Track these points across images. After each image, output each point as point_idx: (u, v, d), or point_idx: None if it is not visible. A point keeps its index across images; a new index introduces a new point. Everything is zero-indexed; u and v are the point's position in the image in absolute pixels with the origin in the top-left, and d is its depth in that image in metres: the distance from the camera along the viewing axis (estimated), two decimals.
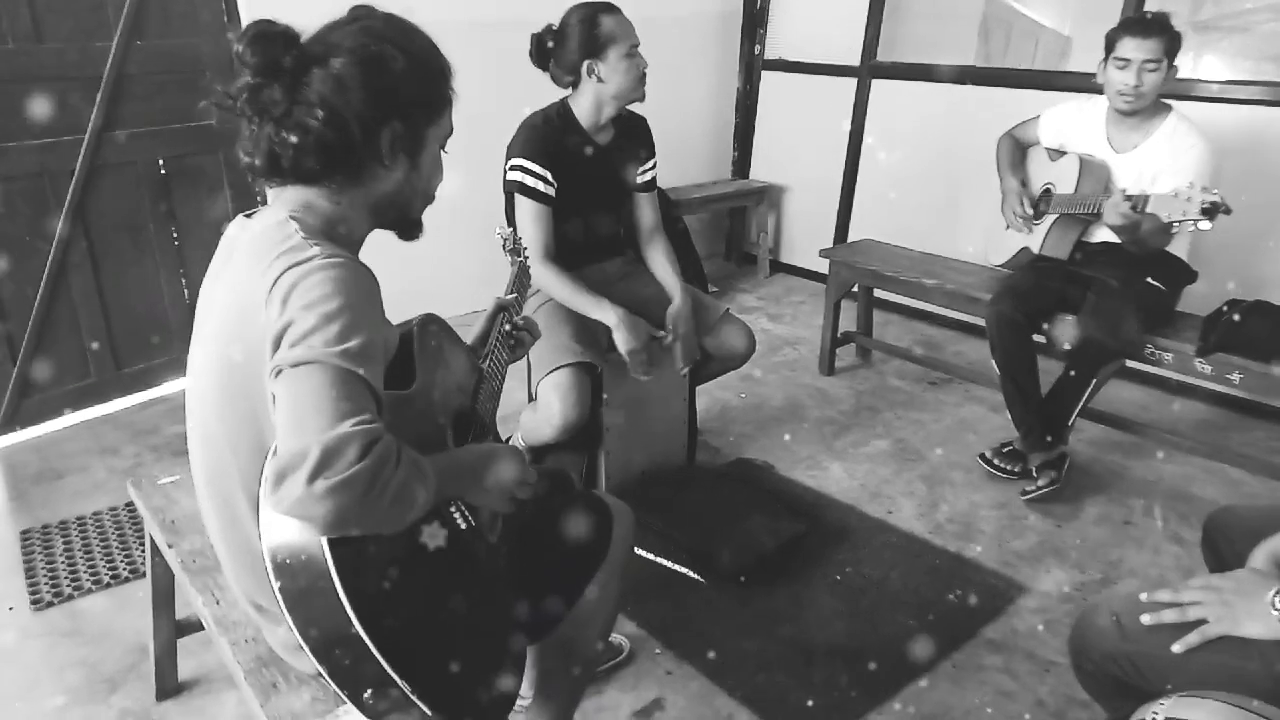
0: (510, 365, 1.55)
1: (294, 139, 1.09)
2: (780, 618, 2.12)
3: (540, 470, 1.56)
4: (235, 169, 3.15)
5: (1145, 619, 1.28)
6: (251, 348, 1.02)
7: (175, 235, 3.26)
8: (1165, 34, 2.47)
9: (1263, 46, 3.22)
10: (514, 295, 1.60)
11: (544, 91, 2.39)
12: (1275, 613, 1.17)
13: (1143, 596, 1.32)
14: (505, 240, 1.70)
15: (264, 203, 1.23)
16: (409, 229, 1.30)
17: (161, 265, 3.24)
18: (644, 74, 2.33)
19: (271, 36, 1.09)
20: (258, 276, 1.03)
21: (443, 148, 1.27)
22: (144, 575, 2.12)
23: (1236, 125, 3.06)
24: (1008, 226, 2.94)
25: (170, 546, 1.57)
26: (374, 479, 0.88)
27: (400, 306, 1.28)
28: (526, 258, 1.71)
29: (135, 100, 3.05)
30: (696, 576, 2.25)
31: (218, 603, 1.42)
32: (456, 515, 1.12)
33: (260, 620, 1.28)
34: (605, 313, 2.26)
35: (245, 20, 3.18)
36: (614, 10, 2.30)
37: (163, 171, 3.19)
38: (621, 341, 2.25)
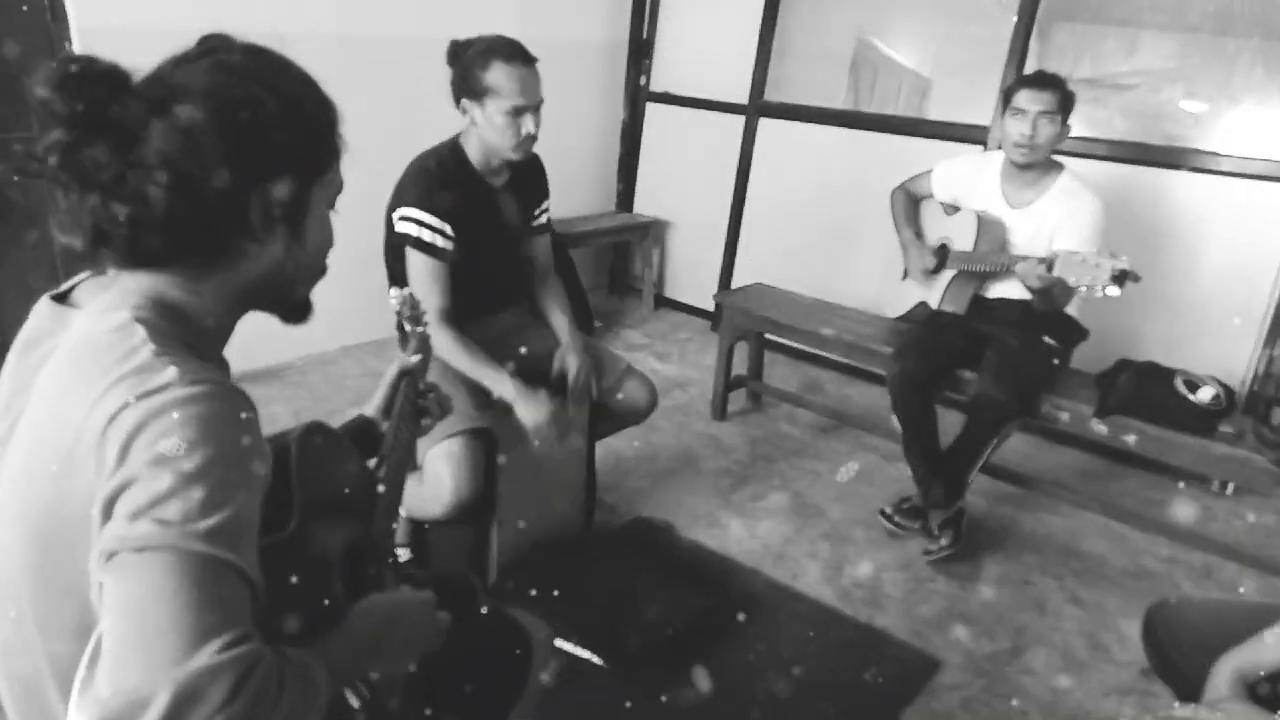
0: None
1: (128, 213, 0.83)
2: (697, 711, 1.95)
3: (436, 577, 1.33)
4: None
5: None
6: (80, 502, 0.75)
7: None
8: (1059, 89, 2.51)
9: (1139, 107, 3.36)
10: (419, 357, 1.37)
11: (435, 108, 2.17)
12: None
13: None
14: (403, 306, 1.45)
15: (84, 275, 0.94)
16: (295, 312, 1.04)
17: None
18: (529, 138, 2.09)
19: (91, 77, 0.81)
20: (88, 404, 0.76)
21: (331, 207, 1.02)
22: None
23: (1110, 182, 3.16)
24: (904, 277, 2.92)
25: None
26: None
27: (254, 346, 1.02)
28: (426, 324, 1.48)
29: None
30: (599, 662, 2.06)
31: None
32: (348, 693, 0.89)
33: None
34: (505, 387, 2.06)
35: (72, 19, 2.79)
36: (517, 59, 2.03)
37: None
38: (524, 416, 2.05)
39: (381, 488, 1.14)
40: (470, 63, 2.04)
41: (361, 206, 2.34)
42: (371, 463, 1.21)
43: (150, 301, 0.87)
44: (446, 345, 2.05)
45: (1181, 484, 3.12)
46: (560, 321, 2.32)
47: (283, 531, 0.92)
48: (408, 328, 1.47)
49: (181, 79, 0.86)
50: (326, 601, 0.97)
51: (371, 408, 1.34)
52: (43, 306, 0.93)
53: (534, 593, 2.12)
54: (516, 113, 2.04)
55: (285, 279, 0.98)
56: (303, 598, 0.94)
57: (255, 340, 1.25)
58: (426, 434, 1.39)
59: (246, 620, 0.70)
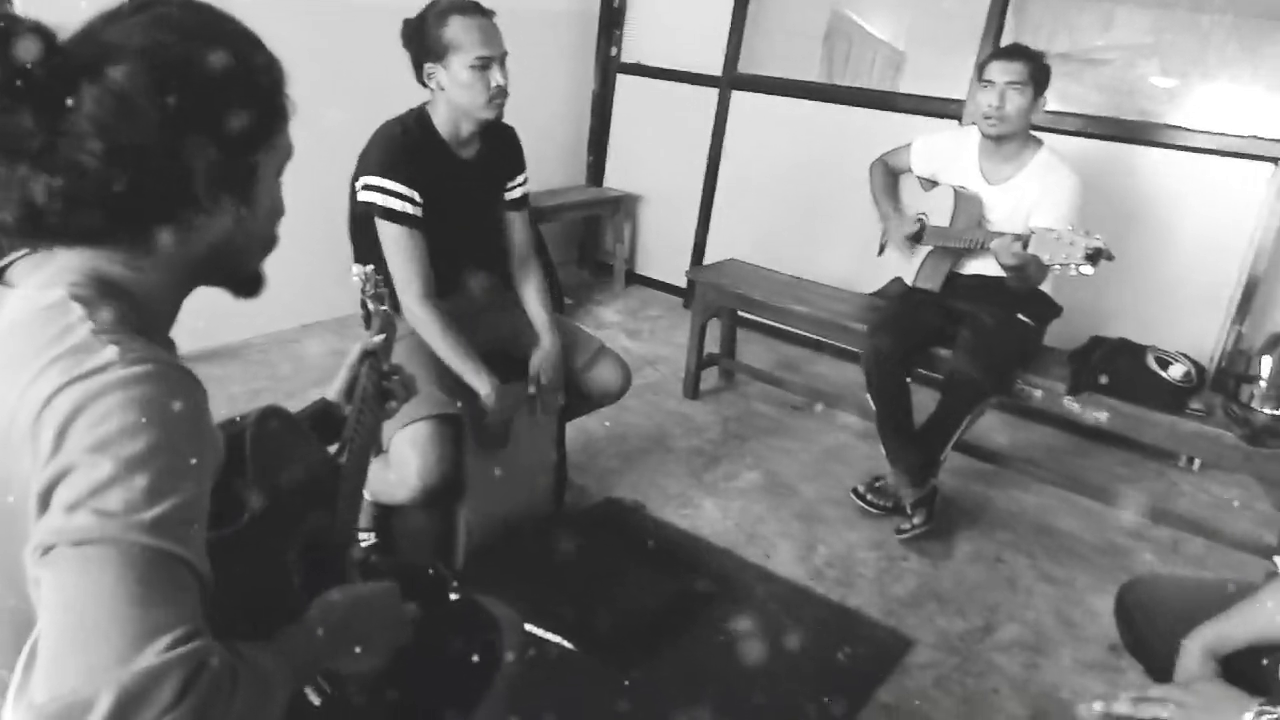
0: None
1: (60, 185, 0.76)
2: (668, 692, 1.93)
3: (404, 568, 1.29)
4: None
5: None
6: (17, 491, 0.70)
7: None
8: (1030, 60, 2.48)
9: (1114, 83, 3.34)
10: (383, 336, 1.31)
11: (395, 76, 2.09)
12: None
13: (1097, 706, 1.22)
14: (365, 283, 1.39)
15: (20, 252, 0.87)
16: (246, 285, 0.97)
17: None
18: (500, 90, 2.02)
19: (10, 38, 0.74)
20: (20, 387, 0.71)
21: (279, 174, 0.95)
22: None
23: (1083, 158, 3.14)
24: (880, 253, 2.89)
25: None
26: None
27: (212, 324, 0.97)
28: (390, 302, 1.42)
29: None
30: (571, 647, 2.02)
31: None
32: (309, 691, 0.84)
33: None
34: (482, 382, 2.00)
35: None
36: (472, 11, 1.98)
37: None
38: (489, 407, 2.01)
39: (343, 475, 1.09)
40: (427, 27, 1.98)
41: (324, 178, 2.28)
42: (333, 448, 1.16)
43: (88, 278, 0.81)
44: (429, 325, 1.99)
45: (1150, 460, 3.15)
46: (539, 316, 2.24)
47: (236, 523, 0.87)
48: (371, 306, 1.40)
49: (114, 37, 0.79)
50: (285, 595, 0.93)
51: (333, 391, 1.29)
52: None
53: (503, 577, 2.08)
54: (483, 65, 1.98)
55: (235, 251, 0.91)
56: (259, 592, 0.90)
57: (213, 318, 1.19)
58: (391, 417, 1.33)
59: (196, 616, 0.66)
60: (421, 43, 1.98)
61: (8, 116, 0.75)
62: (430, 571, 1.36)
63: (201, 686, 0.61)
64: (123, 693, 0.58)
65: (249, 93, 0.86)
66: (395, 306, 1.65)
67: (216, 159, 0.83)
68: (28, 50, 0.74)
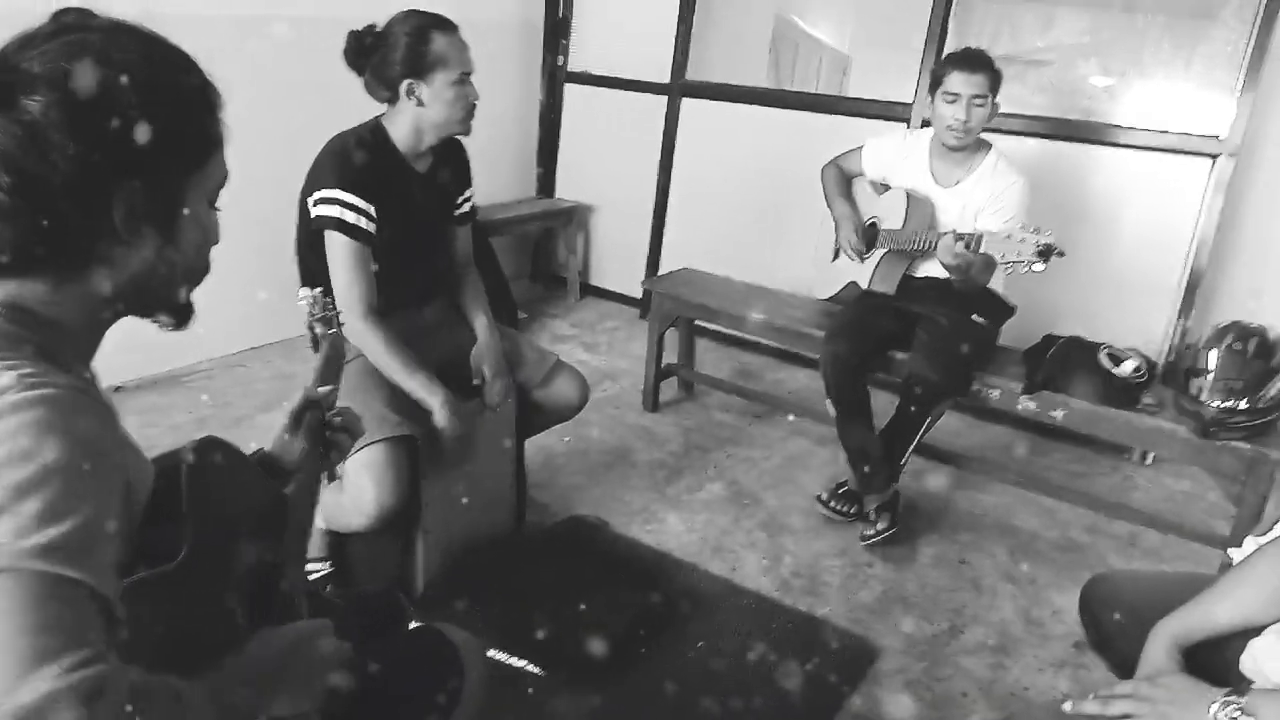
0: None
1: None
2: (638, 711, 1.89)
3: (357, 597, 1.24)
4: None
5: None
6: None
7: None
8: (990, 70, 2.49)
9: (1056, 83, 3.39)
10: (329, 388, 1.23)
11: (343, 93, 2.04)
12: None
13: (1066, 707, 1.21)
14: (313, 306, 1.33)
15: None
16: (174, 316, 0.93)
17: None
18: (473, 106, 2.02)
19: None
20: None
21: (213, 204, 0.91)
22: None
23: (1028, 158, 3.18)
24: (834, 258, 2.89)
25: None
26: None
27: (152, 352, 0.92)
28: (340, 327, 1.36)
29: None
30: (536, 670, 1.97)
31: None
32: None
33: None
34: (433, 395, 1.95)
35: None
36: (450, 28, 1.98)
37: None
38: (442, 422, 1.95)
39: (290, 506, 1.04)
40: (404, 41, 1.94)
41: (267, 197, 2.21)
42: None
43: (3, 306, 0.78)
44: (372, 342, 1.93)
45: (1104, 455, 3.19)
46: (480, 321, 2.21)
47: (173, 559, 0.83)
48: (318, 330, 1.34)
49: (28, 64, 0.75)
50: (229, 631, 0.88)
51: (272, 442, 1.20)
52: None
53: (465, 602, 2.02)
54: (463, 81, 1.99)
55: (158, 284, 0.87)
56: (202, 628, 0.86)
57: (153, 346, 1.13)
58: (335, 465, 1.26)
59: (96, 640, 0.64)
60: (401, 58, 1.94)
61: None
62: (385, 599, 1.30)
63: (101, 711, 0.59)
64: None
65: (173, 121, 0.81)
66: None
67: (135, 191, 0.79)
68: None
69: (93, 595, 0.65)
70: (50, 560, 0.63)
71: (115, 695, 0.61)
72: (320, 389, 1.20)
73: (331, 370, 1.26)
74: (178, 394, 3.16)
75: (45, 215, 0.75)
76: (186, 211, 0.86)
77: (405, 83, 1.95)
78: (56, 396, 0.70)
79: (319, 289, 1.34)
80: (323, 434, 1.18)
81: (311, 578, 2.11)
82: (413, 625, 1.31)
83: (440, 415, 1.94)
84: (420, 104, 1.96)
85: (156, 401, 3.05)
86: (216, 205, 0.93)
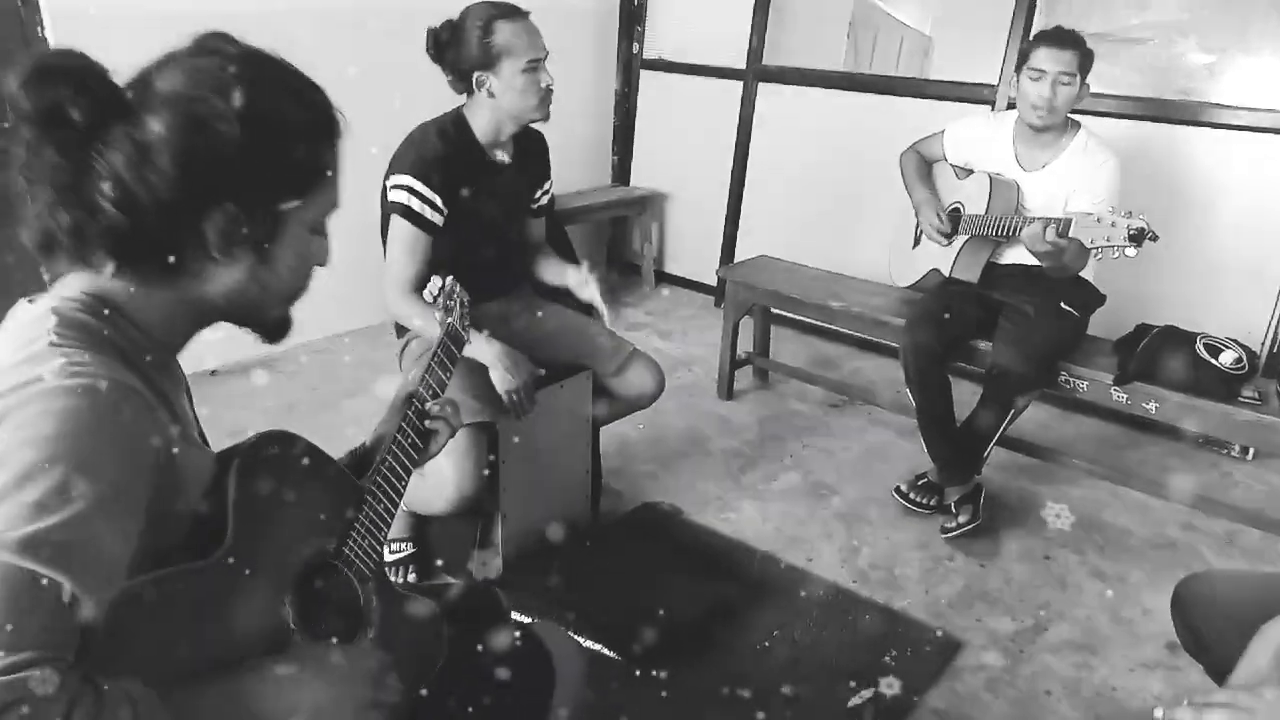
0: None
1: (70, 221, 0.78)
2: (710, 700, 1.90)
3: (460, 592, 1.24)
4: None
5: None
6: None
7: None
8: (1079, 48, 2.40)
9: (1151, 62, 3.24)
10: (424, 381, 1.21)
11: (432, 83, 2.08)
12: None
13: (1157, 713, 1.17)
14: (438, 294, 1.34)
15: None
16: (265, 332, 0.96)
17: None
18: (548, 91, 2.04)
19: (61, 74, 0.75)
20: None
21: (318, 231, 0.93)
22: None
23: (1123, 140, 3.06)
24: (915, 245, 2.82)
25: None
26: None
27: (246, 337, 0.96)
28: (465, 317, 1.37)
29: None
30: (613, 655, 1.99)
31: None
32: None
33: None
34: (481, 348, 1.93)
35: (44, 4, 2.68)
36: (516, 15, 1.99)
37: None
38: (499, 381, 1.94)
39: (368, 499, 1.04)
40: (471, 34, 1.97)
41: (356, 185, 2.26)
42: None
43: (87, 296, 0.81)
44: (411, 313, 1.98)
45: (1202, 450, 3.06)
46: (556, 264, 2.27)
47: (212, 555, 0.83)
48: (438, 315, 1.35)
49: (160, 83, 0.79)
50: (267, 631, 0.88)
51: (372, 435, 1.20)
52: (20, 304, 0.85)
53: (540, 585, 2.05)
54: (533, 68, 1.99)
55: (248, 301, 0.90)
56: (238, 626, 0.84)
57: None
58: (434, 457, 1.24)
59: (50, 645, 0.63)
60: (466, 51, 1.97)
61: (42, 150, 0.76)
62: (486, 597, 1.30)
63: (36, 714, 0.59)
64: None
65: (278, 154, 0.84)
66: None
67: (230, 214, 0.82)
68: (68, 90, 0.75)
69: (60, 593, 0.64)
70: (27, 555, 0.63)
71: (43, 707, 0.60)
72: (415, 383, 1.20)
73: (442, 359, 1.25)
74: (267, 378, 3.28)
75: (138, 227, 0.78)
76: (284, 239, 0.88)
77: (476, 75, 1.98)
78: (93, 389, 0.71)
79: (450, 276, 1.37)
80: (420, 426, 1.18)
81: (393, 558, 2.17)
82: (513, 619, 1.28)
83: (500, 363, 1.94)
84: (491, 95, 1.98)
85: (247, 387, 3.18)
86: (323, 231, 0.94)
